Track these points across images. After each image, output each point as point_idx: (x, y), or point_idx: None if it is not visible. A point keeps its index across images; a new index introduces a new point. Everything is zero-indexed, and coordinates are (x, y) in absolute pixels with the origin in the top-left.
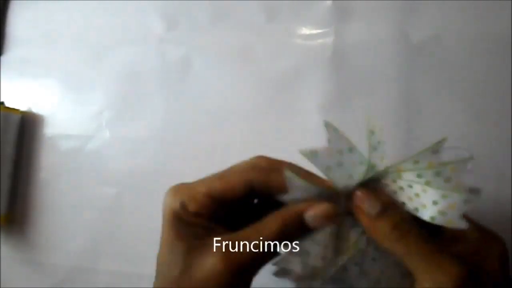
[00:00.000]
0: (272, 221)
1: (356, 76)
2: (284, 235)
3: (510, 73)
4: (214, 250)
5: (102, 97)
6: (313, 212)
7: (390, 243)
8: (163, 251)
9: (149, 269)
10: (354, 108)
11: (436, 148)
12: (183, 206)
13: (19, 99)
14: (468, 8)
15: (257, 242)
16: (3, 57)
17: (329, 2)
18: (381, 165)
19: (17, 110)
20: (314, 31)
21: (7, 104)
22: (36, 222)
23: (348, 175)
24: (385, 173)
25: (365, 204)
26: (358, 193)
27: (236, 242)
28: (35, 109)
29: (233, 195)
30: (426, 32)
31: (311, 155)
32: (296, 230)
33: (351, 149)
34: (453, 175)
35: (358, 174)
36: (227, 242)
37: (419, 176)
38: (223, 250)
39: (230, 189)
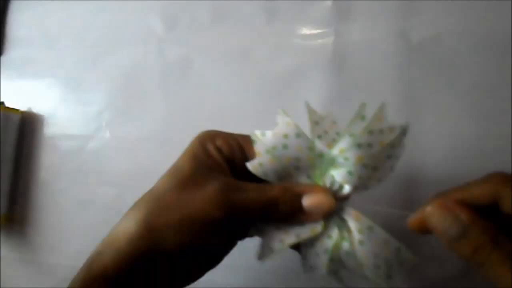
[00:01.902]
0: (273, 189)
1: (356, 76)
2: (279, 205)
3: (510, 73)
4: (216, 182)
5: (102, 97)
6: (313, 200)
7: (472, 264)
8: (170, 168)
9: None
10: (354, 108)
11: (362, 114)
12: (213, 138)
13: (19, 99)
14: (468, 8)
15: (254, 195)
16: (3, 57)
17: (329, 2)
18: (327, 152)
19: (17, 110)
20: (314, 31)
21: (7, 104)
22: (36, 222)
23: (294, 158)
24: (332, 160)
25: (440, 225)
26: (430, 209)
27: (237, 186)
28: (35, 109)
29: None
30: (426, 32)
31: (260, 134)
32: (290, 207)
33: (299, 134)
34: (381, 124)
35: (305, 159)
36: (229, 182)
37: (359, 146)
38: (223, 185)
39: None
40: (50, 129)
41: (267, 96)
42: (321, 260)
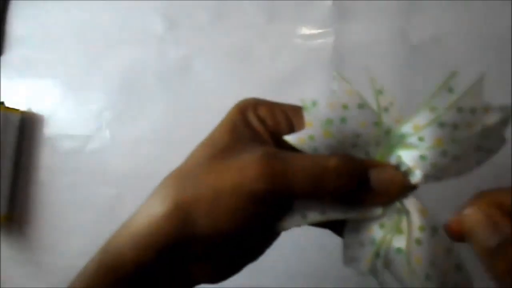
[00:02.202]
0: (331, 157)
1: (356, 76)
2: (338, 176)
3: (510, 73)
4: (256, 150)
5: (102, 97)
6: (384, 174)
7: (507, 284)
8: (203, 141)
9: None
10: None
11: (451, 85)
12: (255, 107)
13: (19, 99)
14: (468, 8)
15: (305, 164)
16: (3, 57)
17: (329, 2)
18: (396, 127)
19: (17, 110)
20: (314, 31)
21: (7, 104)
22: (36, 222)
23: (354, 134)
24: (401, 138)
25: (479, 232)
26: (468, 212)
27: (282, 155)
28: (35, 109)
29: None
30: (426, 32)
31: (311, 104)
32: (354, 180)
33: (362, 105)
34: (475, 102)
35: (369, 135)
36: (272, 150)
37: (441, 125)
38: (265, 154)
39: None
40: (50, 129)
41: (267, 96)
42: (364, 252)
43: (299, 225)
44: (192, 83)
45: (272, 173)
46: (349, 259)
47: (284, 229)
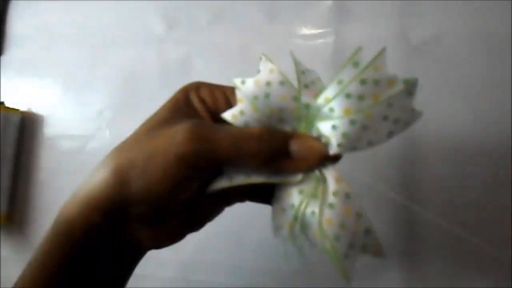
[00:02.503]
0: (256, 128)
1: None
2: (261, 142)
3: (510, 73)
4: (187, 122)
5: (102, 97)
6: (305, 145)
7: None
8: (147, 118)
9: (150, 269)
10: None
11: (356, 60)
12: (197, 88)
13: (19, 99)
14: (468, 8)
15: (230, 132)
16: (3, 57)
17: (329, 2)
18: (313, 101)
19: (17, 110)
20: (315, 31)
21: (7, 104)
22: (36, 222)
23: (278, 109)
24: (317, 110)
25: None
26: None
27: (211, 125)
28: (35, 109)
29: None
30: (426, 32)
31: (240, 83)
32: (276, 147)
33: (283, 82)
34: (378, 75)
35: (291, 110)
36: (203, 121)
37: (348, 96)
38: (195, 123)
39: None
40: (50, 129)
41: None
42: (286, 218)
43: (226, 187)
44: None
45: (198, 137)
46: (275, 228)
47: (212, 191)
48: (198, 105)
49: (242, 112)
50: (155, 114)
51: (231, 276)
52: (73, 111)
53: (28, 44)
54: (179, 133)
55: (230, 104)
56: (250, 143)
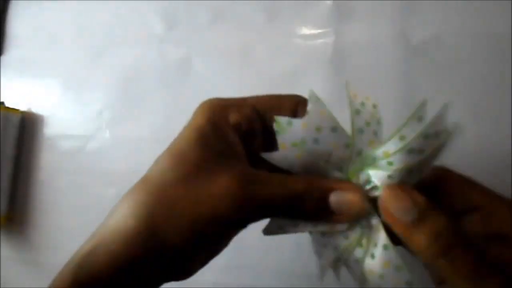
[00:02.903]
0: (299, 181)
1: (356, 76)
2: (303, 201)
3: (510, 73)
4: (230, 174)
5: (102, 97)
6: (343, 197)
7: (429, 259)
8: (170, 150)
9: None
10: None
11: (420, 114)
12: (225, 111)
13: (19, 99)
14: (468, 8)
15: (276, 189)
16: (3, 57)
17: (329, 2)
18: (368, 150)
19: (17, 110)
20: (314, 31)
21: (7, 104)
22: (36, 222)
23: (326, 153)
24: (372, 160)
25: (397, 207)
26: (386, 192)
27: (256, 179)
28: (35, 109)
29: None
30: (426, 32)
31: (286, 123)
32: (315, 204)
33: (335, 128)
34: (439, 126)
35: (341, 155)
36: (247, 173)
37: (410, 151)
38: (239, 178)
39: (278, 111)
40: (50, 129)
41: None
42: (326, 252)
43: (277, 234)
44: (192, 83)
45: (248, 202)
46: (314, 251)
47: (267, 235)
48: (230, 135)
49: (285, 158)
50: (182, 149)
51: (231, 276)
52: (73, 111)
53: (28, 44)
54: (226, 195)
55: (264, 120)
56: (298, 203)
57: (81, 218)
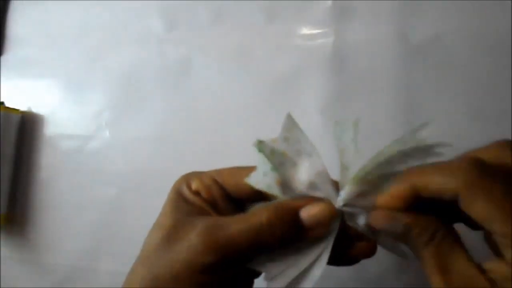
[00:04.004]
0: (263, 210)
1: (356, 76)
2: (273, 226)
3: (510, 73)
4: (198, 226)
5: (102, 97)
6: (311, 210)
7: (431, 277)
8: (153, 224)
9: None
10: (354, 108)
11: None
12: (188, 183)
13: (19, 99)
14: (468, 8)
15: (242, 227)
16: (3, 57)
17: (329, 2)
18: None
19: (17, 110)
20: (314, 31)
21: (7, 104)
22: (36, 222)
23: (296, 152)
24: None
25: (386, 226)
26: (374, 216)
27: (220, 223)
28: (35, 109)
29: (239, 188)
30: (426, 32)
31: (257, 144)
32: (287, 226)
33: (298, 140)
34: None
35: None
36: (211, 221)
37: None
38: (205, 227)
39: (236, 181)
40: (50, 129)
41: (267, 96)
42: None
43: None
44: (192, 83)
45: (215, 245)
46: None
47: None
48: (194, 199)
49: (265, 174)
50: (160, 221)
51: None
52: (73, 111)
53: (28, 44)
54: (195, 246)
55: (222, 188)
56: (264, 234)
57: (81, 218)
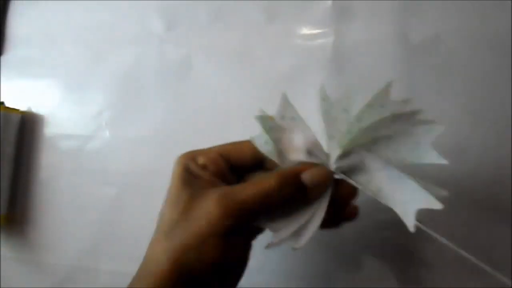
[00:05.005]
0: (270, 176)
1: (356, 76)
2: (280, 189)
3: (510, 73)
4: (212, 196)
5: (102, 97)
6: (311, 173)
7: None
8: (166, 202)
9: None
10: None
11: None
12: (193, 158)
13: (19, 99)
14: (468, 8)
15: (253, 192)
16: (3, 57)
17: (329, 2)
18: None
19: (17, 110)
20: (314, 31)
21: (7, 104)
22: (36, 222)
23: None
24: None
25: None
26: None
27: (233, 191)
28: (35, 109)
29: (242, 159)
30: (426, 32)
31: (260, 116)
32: (292, 187)
33: (294, 118)
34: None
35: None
36: (224, 190)
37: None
38: (220, 196)
39: (239, 153)
40: (50, 129)
41: (266, 96)
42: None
43: (278, 244)
44: (192, 83)
45: (232, 210)
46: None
47: (268, 249)
48: (203, 173)
49: (266, 142)
50: (172, 196)
51: None
52: (73, 111)
53: (28, 44)
54: (213, 213)
55: (229, 161)
56: (273, 196)
57: (81, 218)
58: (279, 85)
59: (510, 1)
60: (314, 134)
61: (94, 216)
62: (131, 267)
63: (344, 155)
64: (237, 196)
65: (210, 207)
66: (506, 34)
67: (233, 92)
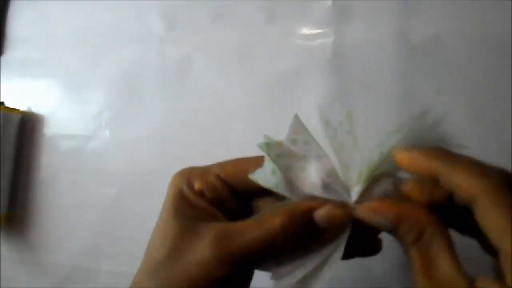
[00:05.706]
0: (276, 214)
1: (356, 76)
2: (287, 231)
3: (510, 73)
4: (207, 236)
5: (102, 97)
6: (327, 211)
7: (415, 277)
8: (155, 230)
9: None
10: (354, 108)
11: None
12: (189, 183)
13: (19, 99)
14: (468, 8)
15: (256, 235)
16: (3, 57)
17: (329, 2)
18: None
19: (17, 110)
20: (314, 31)
21: (7, 104)
22: (36, 222)
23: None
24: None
25: (373, 221)
26: (360, 212)
27: (232, 231)
28: (35, 109)
29: (246, 185)
30: (426, 32)
31: (264, 143)
32: (303, 228)
33: (308, 142)
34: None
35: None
36: (222, 229)
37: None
38: (216, 237)
39: (243, 178)
40: (50, 129)
41: (267, 95)
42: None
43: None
44: (192, 83)
45: (229, 257)
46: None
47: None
48: (198, 201)
49: (273, 172)
50: (163, 229)
51: None
52: (73, 111)
53: (28, 44)
54: (207, 259)
55: (226, 183)
56: (278, 240)
57: (81, 218)
58: (279, 84)
59: (510, 1)
60: (331, 161)
61: (94, 216)
62: (131, 267)
63: (367, 188)
64: (237, 239)
65: (203, 249)
66: (506, 34)
67: (233, 92)
